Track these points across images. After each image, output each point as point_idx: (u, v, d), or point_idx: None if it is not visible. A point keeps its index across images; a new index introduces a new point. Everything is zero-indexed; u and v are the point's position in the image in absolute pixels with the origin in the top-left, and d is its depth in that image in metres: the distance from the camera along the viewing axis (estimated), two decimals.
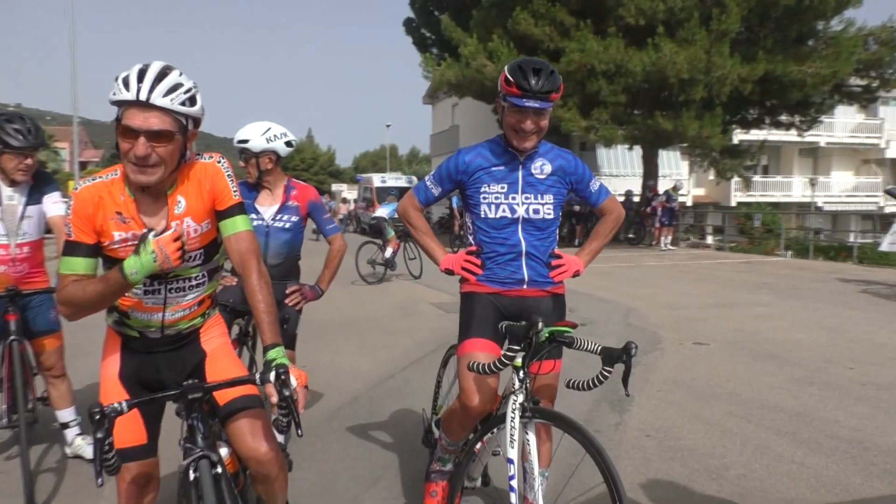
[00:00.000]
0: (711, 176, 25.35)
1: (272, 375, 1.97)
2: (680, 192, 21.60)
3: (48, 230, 3.94)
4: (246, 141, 3.90)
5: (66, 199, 2.36)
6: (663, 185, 23.02)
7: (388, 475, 3.84)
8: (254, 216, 3.85)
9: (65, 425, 4.11)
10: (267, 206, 3.99)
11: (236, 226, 2.25)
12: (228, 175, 2.27)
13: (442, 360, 3.65)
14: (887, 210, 31.78)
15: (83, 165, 46.28)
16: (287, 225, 4.00)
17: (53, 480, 3.82)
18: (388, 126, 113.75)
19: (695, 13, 17.72)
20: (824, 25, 20.03)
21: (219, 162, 2.28)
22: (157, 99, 2.00)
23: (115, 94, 2.01)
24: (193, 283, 2.31)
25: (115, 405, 1.89)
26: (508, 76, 2.63)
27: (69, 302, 2.10)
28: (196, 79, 2.14)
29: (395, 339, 7.60)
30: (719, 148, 19.99)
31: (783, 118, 22.23)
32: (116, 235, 2.15)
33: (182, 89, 2.06)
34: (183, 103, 2.06)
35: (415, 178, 35.27)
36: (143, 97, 1.99)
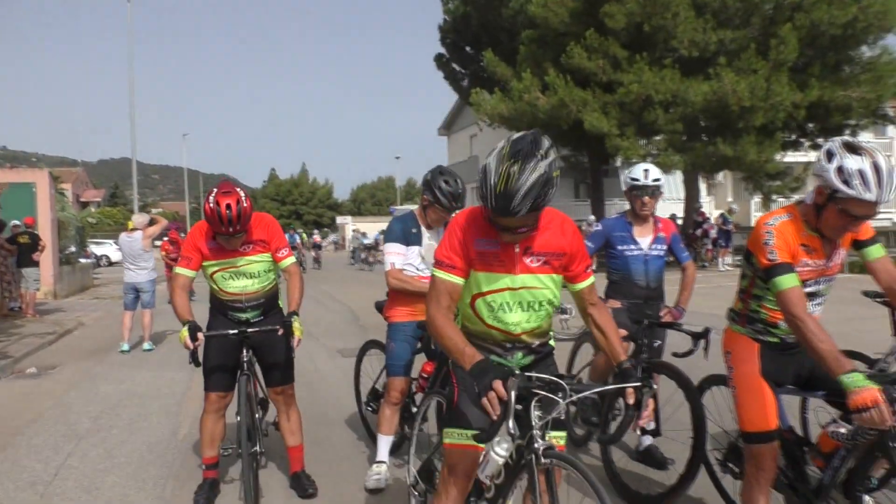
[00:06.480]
0: (756, 198, 26.08)
1: None
2: (734, 213, 22.32)
3: None
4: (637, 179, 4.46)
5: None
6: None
7: None
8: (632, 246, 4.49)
9: None
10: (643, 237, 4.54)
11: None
12: None
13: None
14: None
15: (84, 205, 45.75)
16: (661, 253, 4.56)
17: None
18: (397, 158, 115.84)
19: (751, 44, 18.57)
20: (858, 53, 20.95)
21: None
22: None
23: (860, 192, 2.41)
24: None
25: None
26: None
27: None
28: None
29: None
30: (774, 171, 20.77)
31: (820, 140, 23.09)
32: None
33: None
34: None
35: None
36: (883, 199, 2.43)
